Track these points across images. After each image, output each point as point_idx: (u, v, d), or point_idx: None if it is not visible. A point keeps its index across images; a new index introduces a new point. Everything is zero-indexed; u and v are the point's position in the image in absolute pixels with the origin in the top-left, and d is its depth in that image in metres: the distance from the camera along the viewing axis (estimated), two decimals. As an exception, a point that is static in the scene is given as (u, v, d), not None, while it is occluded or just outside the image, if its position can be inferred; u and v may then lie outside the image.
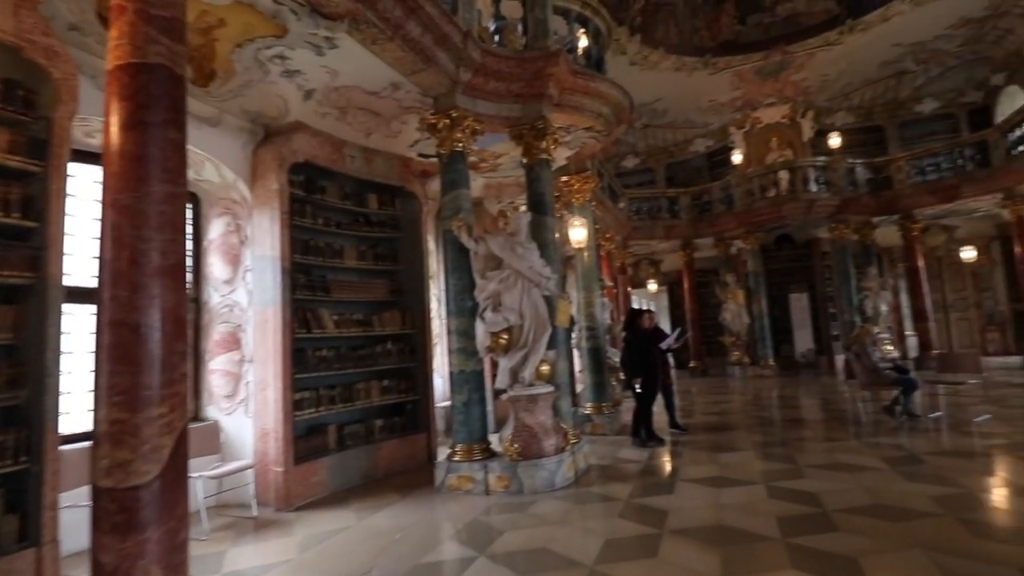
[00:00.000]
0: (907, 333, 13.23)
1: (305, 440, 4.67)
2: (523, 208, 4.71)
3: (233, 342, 4.65)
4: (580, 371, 7.01)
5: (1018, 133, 10.17)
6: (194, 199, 4.85)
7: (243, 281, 4.64)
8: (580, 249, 6.60)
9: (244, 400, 4.56)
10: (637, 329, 5.88)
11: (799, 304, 13.53)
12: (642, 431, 5.72)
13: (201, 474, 3.99)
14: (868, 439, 5.40)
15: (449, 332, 4.63)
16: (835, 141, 13.16)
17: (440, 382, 6.52)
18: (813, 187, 11.86)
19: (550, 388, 4.51)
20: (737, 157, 14.50)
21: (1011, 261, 12.49)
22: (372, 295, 5.52)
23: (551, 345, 4.67)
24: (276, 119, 4.75)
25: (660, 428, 6.16)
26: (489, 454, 4.50)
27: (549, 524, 3.55)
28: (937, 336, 12.41)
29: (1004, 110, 12.30)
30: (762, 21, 12.39)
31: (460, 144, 4.76)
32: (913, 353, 12.34)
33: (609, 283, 9.00)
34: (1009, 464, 4.24)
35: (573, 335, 7.25)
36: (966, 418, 6.05)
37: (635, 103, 14.49)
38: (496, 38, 5.03)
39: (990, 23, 11.30)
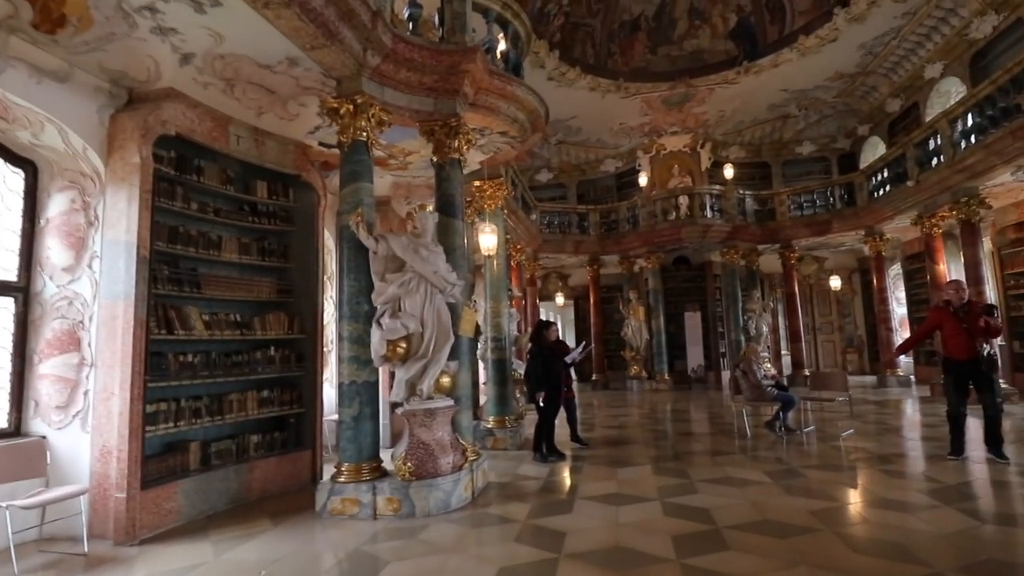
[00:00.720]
0: (783, 352, 14.49)
1: (159, 460, 4.00)
2: (430, 208, 4.42)
3: (71, 342, 3.87)
4: (484, 383, 6.77)
5: (878, 179, 11.55)
6: (29, 168, 4.02)
7: (88, 269, 3.88)
8: (490, 257, 6.40)
9: (82, 412, 3.80)
10: (543, 341, 5.77)
11: (693, 322, 14.34)
12: (543, 446, 5.59)
13: (10, 503, 3.23)
14: (752, 453, 5.67)
15: (341, 338, 4.19)
16: (729, 172, 14.20)
17: (333, 393, 5.97)
18: (709, 213, 12.67)
19: (450, 402, 4.21)
20: (643, 180, 15.20)
21: (868, 291, 14.16)
22: (255, 294, 4.91)
23: (454, 355, 4.39)
24: (144, 83, 4.08)
25: (562, 442, 6.08)
26: (380, 474, 4.10)
27: (440, 552, 3.24)
28: (806, 356, 13.69)
29: (867, 157, 13.99)
30: (670, 53, 13.12)
31: (364, 134, 4.37)
32: (787, 371, 13.53)
33: (518, 294, 8.89)
34: (872, 477, 4.58)
35: (479, 345, 7.03)
36: (834, 432, 6.57)
37: (551, 118, 14.69)
38: (410, 26, 4.72)
39: (859, 79, 12.82)
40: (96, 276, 3.86)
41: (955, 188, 8.80)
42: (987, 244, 9.29)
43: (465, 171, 6.61)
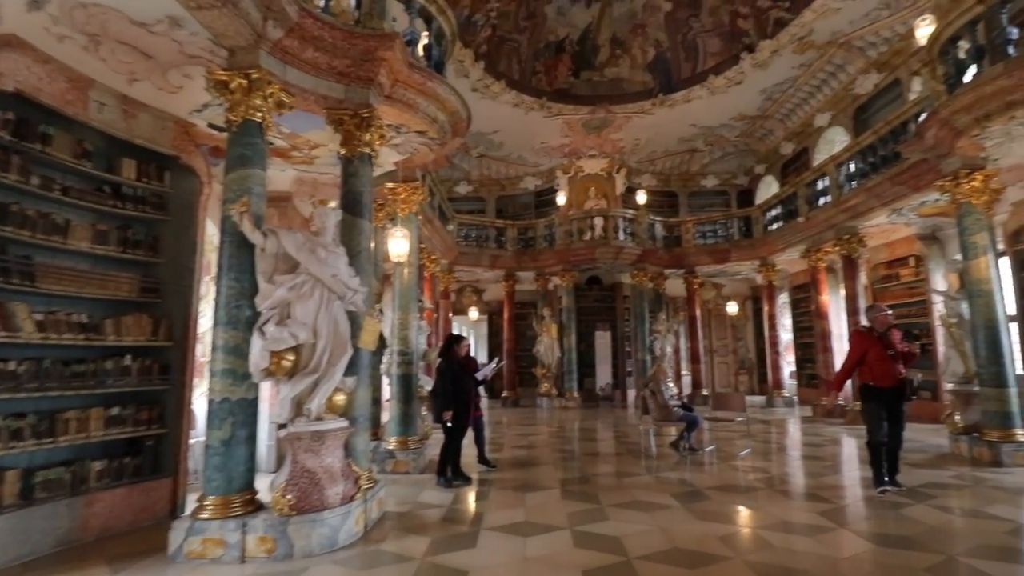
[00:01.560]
0: (683, 373, 15.14)
1: (-46, 495, 3.14)
2: (333, 204, 3.96)
3: None
4: (387, 400, 6.26)
5: (772, 214, 12.48)
6: None
7: None
8: (400, 264, 5.95)
9: None
10: (453, 357, 5.40)
11: (603, 341, 14.60)
12: (448, 469, 5.20)
13: None
14: (659, 474, 5.64)
15: (214, 348, 3.57)
16: (641, 198, 14.76)
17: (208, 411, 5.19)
18: (622, 236, 13.02)
19: (343, 423, 3.72)
20: (561, 199, 15.41)
21: (759, 317, 15.22)
22: (111, 291, 4.12)
23: (351, 370, 3.91)
24: (-28, 23, 3.30)
25: (468, 464, 5.72)
26: (253, 508, 3.50)
27: (319, 603, 2.75)
28: (703, 377, 14.39)
29: (762, 195, 15.14)
30: (592, 79, 13.45)
31: (259, 114, 3.83)
32: (687, 391, 14.12)
33: (429, 305, 8.45)
34: (772, 498, 4.66)
35: (384, 359, 6.51)
36: (733, 452, 6.77)
37: (474, 130, 14.48)
38: (323, 2, 4.26)
39: (759, 122, 13.87)
40: None
41: (839, 226, 9.64)
42: (863, 278, 10.24)
43: (378, 172, 6.18)
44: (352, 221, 4.27)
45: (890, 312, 5.06)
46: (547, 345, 13.16)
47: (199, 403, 4.96)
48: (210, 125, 4.79)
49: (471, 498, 4.83)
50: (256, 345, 3.41)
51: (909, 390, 4.73)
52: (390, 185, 6.10)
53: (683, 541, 3.56)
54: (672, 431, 7.13)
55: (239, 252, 3.63)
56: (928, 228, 9.48)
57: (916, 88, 9.98)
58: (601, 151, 15.50)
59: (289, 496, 3.41)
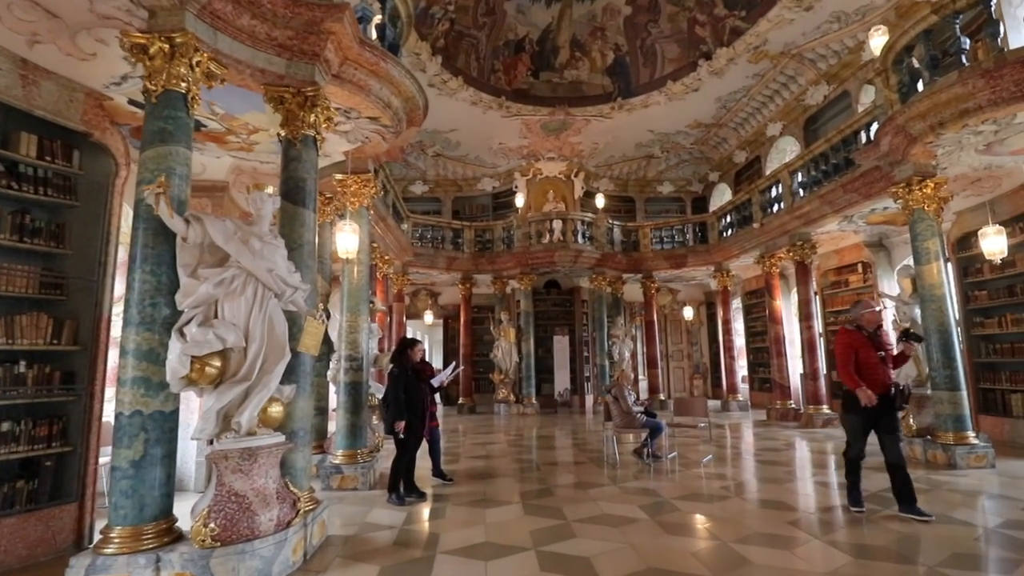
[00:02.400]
0: (640, 378, 15.16)
1: None
2: (270, 189, 3.52)
3: None
4: (334, 410, 5.77)
5: (727, 220, 12.66)
6: None
7: None
8: (349, 261, 5.50)
9: None
10: (406, 362, 4.99)
11: (561, 346, 14.42)
12: (401, 485, 4.78)
13: None
14: (623, 483, 5.40)
15: (124, 353, 3.05)
16: (600, 202, 14.71)
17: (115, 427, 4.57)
18: (580, 240, 12.90)
19: (279, 438, 3.27)
20: (519, 201, 15.18)
21: (713, 322, 15.47)
22: (2, 287, 3.51)
23: (289, 377, 3.47)
24: None
25: (423, 478, 5.31)
26: (170, 539, 3.00)
27: (243, 655, 2.32)
28: (659, 382, 14.45)
29: (716, 202, 15.42)
30: (552, 80, 13.31)
31: (184, 84, 3.35)
32: (643, 396, 14.12)
33: (381, 307, 7.98)
34: (740, 508, 4.49)
35: (332, 364, 6.02)
36: (695, 459, 6.64)
37: (430, 128, 14.05)
38: (262, -33, 3.82)
39: (713, 130, 14.10)
40: None
41: (792, 232, 9.81)
42: (813, 284, 10.47)
43: (327, 163, 5.72)
44: (293, 211, 3.82)
45: (879, 308, 4.46)
46: (505, 350, 12.85)
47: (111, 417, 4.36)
48: (131, 102, 4.24)
49: (425, 516, 4.43)
50: (174, 349, 2.93)
51: (901, 399, 4.14)
52: (339, 177, 5.64)
53: (656, 559, 3.30)
54: (631, 437, 6.95)
55: (156, 241, 3.13)
56: (875, 235, 9.79)
57: (864, 100, 10.33)
58: (560, 154, 15.39)
59: (213, 525, 2.93)
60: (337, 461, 5.20)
